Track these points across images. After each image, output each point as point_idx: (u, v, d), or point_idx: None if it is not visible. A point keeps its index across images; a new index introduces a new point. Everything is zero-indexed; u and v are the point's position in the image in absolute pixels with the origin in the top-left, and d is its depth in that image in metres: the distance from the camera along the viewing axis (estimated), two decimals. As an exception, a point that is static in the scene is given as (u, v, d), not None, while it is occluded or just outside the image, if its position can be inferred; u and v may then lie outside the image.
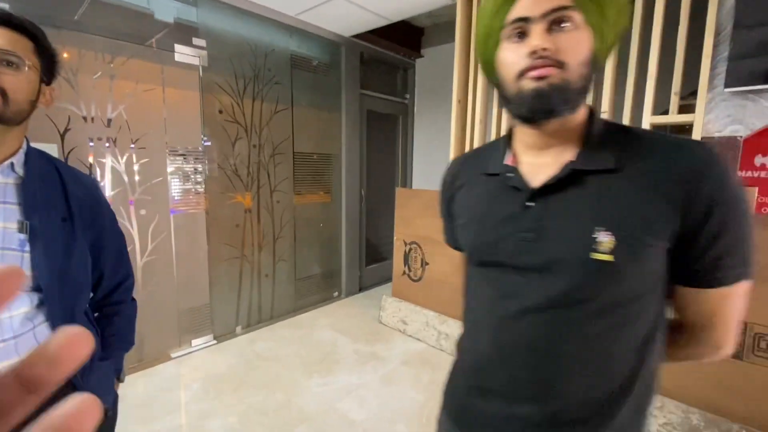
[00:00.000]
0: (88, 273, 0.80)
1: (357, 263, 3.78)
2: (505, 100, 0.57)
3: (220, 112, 2.55)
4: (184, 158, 2.42)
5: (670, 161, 0.51)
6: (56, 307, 0.72)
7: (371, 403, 2.03)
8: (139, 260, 2.27)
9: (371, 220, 3.89)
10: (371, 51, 3.54)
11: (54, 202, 0.74)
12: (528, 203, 0.57)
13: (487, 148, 0.70)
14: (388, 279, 4.05)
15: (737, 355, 1.57)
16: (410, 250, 2.85)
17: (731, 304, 0.55)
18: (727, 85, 1.67)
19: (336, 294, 3.63)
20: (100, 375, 0.82)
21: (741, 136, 1.70)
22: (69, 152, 1.99)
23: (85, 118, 2.02)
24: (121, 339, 0.88)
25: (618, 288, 0.52)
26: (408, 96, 4.06)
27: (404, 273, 2.92)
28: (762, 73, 1.59)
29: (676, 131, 1.95)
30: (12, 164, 0.69)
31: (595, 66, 0.53)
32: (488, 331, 0.61)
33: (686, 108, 1.77)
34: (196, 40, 2.40)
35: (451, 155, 2.67)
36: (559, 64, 0.50)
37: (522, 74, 0.52)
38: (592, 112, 0.58)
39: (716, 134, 1.74)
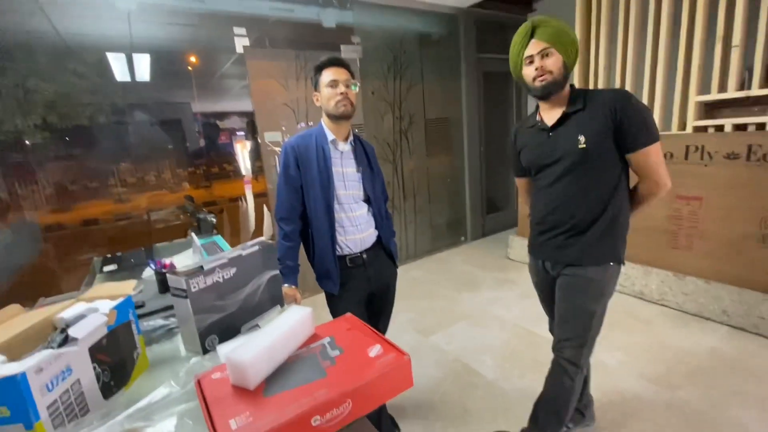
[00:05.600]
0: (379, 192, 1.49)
1: (479, 212, 4.28)
2: (527, 89, 1.19)
3: (372, 93, 3.23)
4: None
5: (606, 99, 1.13)
6: (374, 209, 1.42)
7: (514, 309, 2.59)
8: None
9: (489, 174, 4.31)
10: (484, 15, 3.83)
11: (366, 159, 1.42)
12: (549, 134, 1.21)
13: (529, 116, 1.34)
14: (506, 227, 4.47)
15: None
16: (535, 193, 3.24)
17: (650, 158, 1.13)
18: None
19: (463, 239, 4.22)
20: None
21: None
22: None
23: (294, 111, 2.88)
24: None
25: (589, 160, 1.14)
26: (520, 52, 4.24)
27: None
28: None
29: None
30: (350, 141, 1.38)
31: (568, 69, 1.14)
32: (544, 200, 1.27)
33: None
34: (353, 38, 3.07)
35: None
36: (549, 73, 1.12)
37: (533, 79, 1.15)
38: (572, 86, 1.20)
39: None
